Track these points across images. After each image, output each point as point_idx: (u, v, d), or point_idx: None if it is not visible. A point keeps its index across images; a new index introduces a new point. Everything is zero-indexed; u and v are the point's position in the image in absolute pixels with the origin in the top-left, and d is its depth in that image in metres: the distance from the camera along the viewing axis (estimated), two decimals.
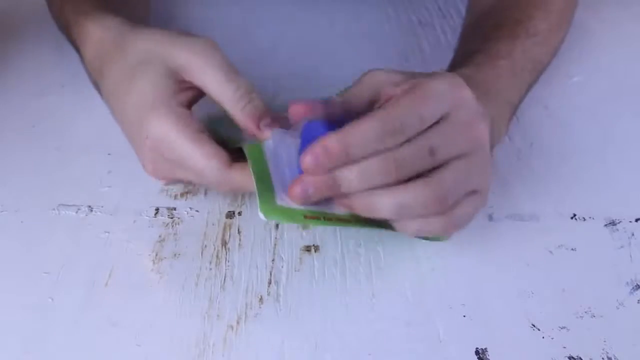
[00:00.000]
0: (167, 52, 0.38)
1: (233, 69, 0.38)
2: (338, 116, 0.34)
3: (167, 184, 0.43)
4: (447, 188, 0.33)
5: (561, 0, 0.50)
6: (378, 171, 0.32)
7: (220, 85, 0.38)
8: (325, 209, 0.35)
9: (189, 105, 0.39)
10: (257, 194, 0.34)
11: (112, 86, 0.41)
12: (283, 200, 0.35)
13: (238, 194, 0.44)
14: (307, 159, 0.32)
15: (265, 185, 0.35)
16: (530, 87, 0.47)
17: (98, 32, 0.43)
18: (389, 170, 0.32)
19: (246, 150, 0.36)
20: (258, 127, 0.37)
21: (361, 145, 0.32)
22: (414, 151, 0.32)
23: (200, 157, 0.36)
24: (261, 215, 0.33)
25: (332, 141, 0.32)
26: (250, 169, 0.35)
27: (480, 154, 0.35)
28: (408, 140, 0.32)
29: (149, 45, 0.39)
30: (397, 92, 0.34)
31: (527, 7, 0.48)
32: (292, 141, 0.36)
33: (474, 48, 0.45)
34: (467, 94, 0.34)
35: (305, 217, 0.34)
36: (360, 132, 0.32)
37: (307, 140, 0.33)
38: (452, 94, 0.34)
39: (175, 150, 0.37)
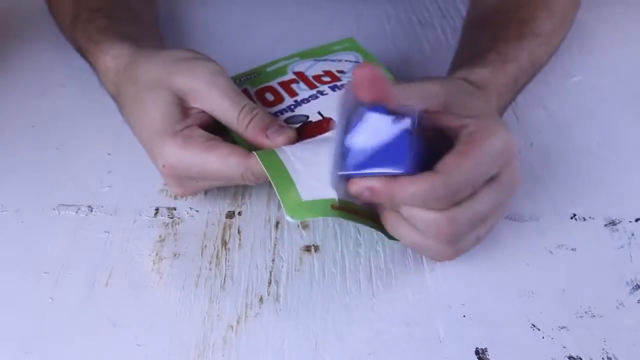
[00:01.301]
0: (173, 79, 0.40)
1: (236, 92, 0.40)
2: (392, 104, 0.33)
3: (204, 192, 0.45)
4: (465, 231, 0.35)
5: (564, 0, 0.50)
6: (422, 220, 0.33)
7: (224, 109, 0.39)
8: (353, 199, 0.35)
9: (202, 127, 0.40)
10: (279, 197, 0.34)
11: (128, 111, 0.43)
12: (310, 193, 0.35)
13: (238, 195, 0.45)
14: (353, 189, 0.33)
15: (285, 186, 0.35)
16: (524, 88, 0.47)
17: (109, 62, 0.44)
18: (437, 222, 0.33)
19: (258, 157, 0.36)
20: (265, 136, 0.38)
21: (408, 201, 0.33)
22: (460, 214, 0.33)
23: (217, 161, 0.37)
24: (288, 218, 0.33)
25: (379, 187, 0.32)
26: (267, 174, 0.35)
27: (510, 200, 0.36)
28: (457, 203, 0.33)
29: (157, 72, 0.41)
30: (453, 124, 0.34)
31: (532, 7, 0.48)
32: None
33: (484, 46, 0.45)
34: (515, 149, 0.35)
35: (332, 206, 0.35)
36: (410, 192, 0.32)
37: (363, 130, 0.32)
38: (505, 154, 0.34)
39: (192, 167, 0.38)
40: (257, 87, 0.45)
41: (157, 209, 0.44)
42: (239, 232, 0.42)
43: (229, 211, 0.43)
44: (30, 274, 0.39)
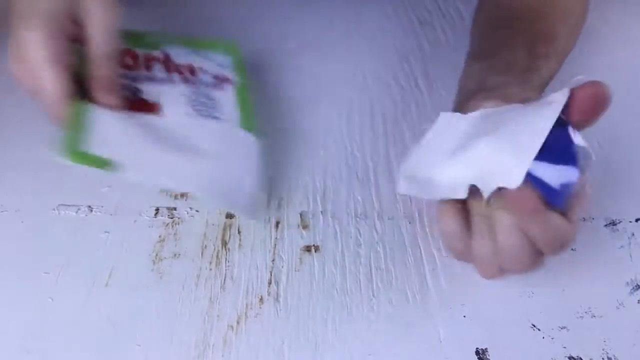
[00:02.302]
0: None
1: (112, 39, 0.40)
2: None
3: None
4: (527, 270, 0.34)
5: (577, 14, 0.50)
6: (520, 251, 0.33)
7: (100, 38, 0.39)
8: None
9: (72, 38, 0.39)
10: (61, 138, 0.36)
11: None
12: (96, 149, 0.36)
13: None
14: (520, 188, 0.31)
15: (74, 131, 0.37)
16: None
17: None
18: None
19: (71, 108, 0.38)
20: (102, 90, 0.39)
21: (540, 225, 0.31)
22: (543, 260, 0.33)
23: (50, 76, 0.37)
24: (56, 156, 0.35)
25: (529, 198, 0.30)
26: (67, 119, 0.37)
27: None
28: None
29: None
30: None
31: (554, 22, 0.47)
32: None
33: (524, 63, 0.44)
34: None
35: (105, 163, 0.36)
36: (548, 219, 0.31)
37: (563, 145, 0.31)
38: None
39: (37, 57, 0.37)
40: (125, 47, 0.45)
41: (157, 209, 0.44)
42: (239, 232, 0.42)
43: (229, 211, 0.43)
44: (30, 274, 0.39)
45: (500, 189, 0.31)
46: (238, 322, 0.37)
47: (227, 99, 0.44)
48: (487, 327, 0.36)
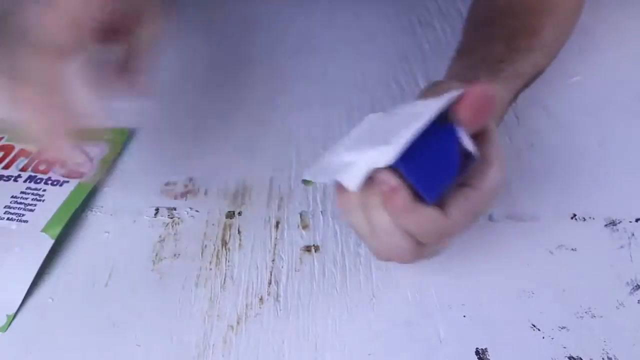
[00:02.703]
0: None
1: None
2: None
3: None
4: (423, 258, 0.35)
5: (569, 8, 0.50)
6: (392, 237, 0.33)
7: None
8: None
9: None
10: None
11: None
12: None
13: (238, 195, 0.44)
14: (383, 176, 0.31)
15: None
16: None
17: None
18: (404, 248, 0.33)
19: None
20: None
21: (405, 224, 0.32)
22: (431, 250, 0.34)
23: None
24: None
25: (401, 200, 0.31)
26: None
27: None
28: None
29: None
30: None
31: (540, 14, 0.48)
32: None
33: (499, 54, 0.44)
34: (504, 176, 0.35)
35: None
36: (416, 220, 0.32)
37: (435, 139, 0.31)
38: (501, 183, 0.34)
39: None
40: (12, 143, 0.47)
41: (157, 209, 0.44)
42: (239, 232, 0.42)
43: (229, 211, 0.43)
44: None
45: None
46: (238, 322, 0.37)
47: (57, 196, 0.43)
48: (487, 327, 0.36)
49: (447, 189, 0.32)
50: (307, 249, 0.41)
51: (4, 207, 0.42)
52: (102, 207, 0.44)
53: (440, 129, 0.31)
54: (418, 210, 0.31)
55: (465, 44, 0.49)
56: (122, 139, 0.49)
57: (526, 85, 0.46)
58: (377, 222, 0.33)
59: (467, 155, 0.32)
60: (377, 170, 0.31)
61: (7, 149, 0.47)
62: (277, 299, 0.38)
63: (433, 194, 0.31)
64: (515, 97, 0.44)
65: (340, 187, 0.34)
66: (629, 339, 0.35)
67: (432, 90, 0.38)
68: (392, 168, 0.30)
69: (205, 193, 0.45)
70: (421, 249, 0.33)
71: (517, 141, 0.48)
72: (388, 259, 0.35)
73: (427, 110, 0.30)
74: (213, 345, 0.36)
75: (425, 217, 0.32)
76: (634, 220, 0.42)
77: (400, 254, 0.34)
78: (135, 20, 0.38)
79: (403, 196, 0.31)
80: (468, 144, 0.31)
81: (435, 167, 0.31)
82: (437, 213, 0.32)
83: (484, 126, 0.34)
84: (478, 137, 0.34)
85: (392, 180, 0.31)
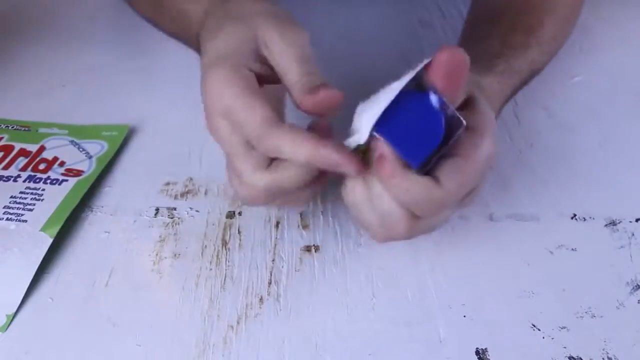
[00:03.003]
0: (262, 22, 0.36)
1: (312, 60, 0.36)
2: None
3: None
4: (421, 234, 0.35)
5: (569, 6, 0.50)
6: (390, 210, 0.33)
7: (291, 66, 0.35)
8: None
9: (258, 79, 0.36)
10: None
11: (207, 35, 0.38)
12: None
13: None
14: (374, 144, 0.32)
15: None
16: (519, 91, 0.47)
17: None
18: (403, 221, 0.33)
19: None
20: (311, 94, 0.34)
21: (398, 192, 0.32)
22: (427, 223, 0.34)
23: (243, 108, 0.33)
24: None
25: (389, 162, 0.31)
26: None
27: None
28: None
29: (254, 8, 0.38)
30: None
31: (539, 12, 0.48)
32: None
33: (495, 50, 0.44)
34: (493, 164, 0.35)
35: None
36: (407, 188, 0.32)
37: (414, 106, 0.32)
38: (487, 171, 0.34)
39: (224, 97, 0.34)
40: (12, 142, 0.48)
41: (157, 209, 0.44)
42: (239, 232, 0.42)
43: (229, 211, 0.43)
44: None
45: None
46: (238, 322, 0.37)
47: (56, 195, 0.43)
48: (487, 327, 0.36)
49: (434, 156, 0.32)
50: (307, 249, 0.41)
51: (3, 208, 0.42)
52: (102, 207, 0.44)
53: (419, 97, 0.32)
54: (407, 177, 0.32)
55: (462, 41, 0.49)
56: (121, 136, 0.49)
57: (524, 81, 0.46)
58: (374, 193, 0.33)
59: (454, 123, 0.32)
60: (371, 139, 0.32)
61: (7, 149, 0.47)
62: (277, 299, 0.38)
63: (417, 159, 0.32)
64: (513, 92, 0.44)
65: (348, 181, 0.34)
66: (629, 339, 0.35)
67: None
68: (378, 137, 0.32)
69: (205, 193, 0.45)
70: (417, 221, 0.33)
71: (518, 141, 0.48)
72: (386, 237, 0.35)
73: (399, 83, 0.31)
74: (213, 345, 0.36)
75: (416, 184, 0.32)
76: (634, 220, 0.42)
77: (396, 227, 0.34)
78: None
79: (391, 162, 0.31)
80: (449, 109, 0.32)
81: (417, 133, 0.32)
82: (428, 181, 0.32)
83: (469, 94, 0.35)
84: (466, 107, 0.34)
85: (381, 147, 0.32)
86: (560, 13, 0.49)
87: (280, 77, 0.36)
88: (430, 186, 0.32)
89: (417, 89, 0.32)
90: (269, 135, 0.33)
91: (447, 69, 0.31)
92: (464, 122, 0.32)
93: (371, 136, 0.32)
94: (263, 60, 0.36)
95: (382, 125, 0.31)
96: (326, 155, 0.32)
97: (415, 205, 0.32)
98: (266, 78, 0.36)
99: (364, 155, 0.33)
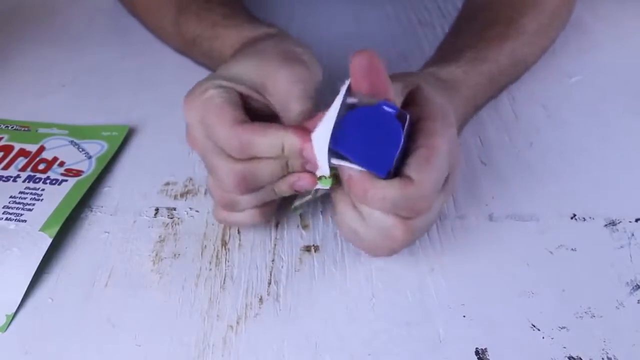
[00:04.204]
0: (273, 72, 0.37)
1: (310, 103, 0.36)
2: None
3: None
4: (415, 238, 0.36)
5: (555, 0, 0.50)
6: (379, 221, 0.34)
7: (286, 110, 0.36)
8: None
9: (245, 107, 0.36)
10: None
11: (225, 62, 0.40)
12: None
13: None
14: (348, 176, 0.33)
15: None
16: (506, 86, 0.47)
17: (239, 39, 0.44)
18: (394, 228, 0.34)
19: None
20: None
21: (377, 203, 0.33)
22: (417, 225, 0.34)
23: (214, 111, 0.34)
24: None
25: (357, 180, 0.32)
26: None
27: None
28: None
29: (276, 51, 0.38)
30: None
31: (522, 5, 0.48)
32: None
33: (466, 43, 0.45)
34: (461, 155, 0.36)
35: None
36: (382, 196, 0.32)
37: (364, 116, 0.32)
38: (454, 157, 0.35)
39: (198, 105, 0.35)
40: (12, 142, 0.47)
41: (157, 209, 0.44)
42: (238, 232, 0.42)
43: None
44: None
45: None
46: (238, 322, 0.37)
47: (56, 195, 0.43)
48: (487, 327, 0.36)
49: (397, 158, 0.32)
50: (307, 249, 0.41)
51: (3, 207, 0.42)
52: (102, 207, 0.44)
53: (369, 110, 0.32)
54: (378, 186, 0.32)
55: (443, 40, 0.50)
56: (121, 137, 0.49)
57: (505, 71, 0.46)
58: (364, 213, 0.34)
59: (401, 119, 0.32)
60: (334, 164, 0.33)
61: (7, 149, 0.47)
62: (277, 299, 0.38)
63: (382, 168, 0.32)
64: (490, 81, 0.45)
65: (338, 196, 0.35)
66: (629, 339, 0.35)
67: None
68: (339, 155, 0.32)
69: (205, 193, 0.45)
70: (411, 223, 0.34)
71: (517, 140, 0.48)
72: (391, 249, 0.35)
73: (335, 102, 0.32)
74: (213, 345, 0.36)
75: (389, 190, 0.32)
76: (634, 220, 0.42)
77: (394, 235, 0.34)
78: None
79: (359, 180, 0.32)
80: (393, 106, 0.32)
81: (376, 144, 0.32)
82: (399, 182, 0.32)
83: (413, 86, 0.35)
84: (412, 100, 0.35)
85: (346, 170, 0.32)
86: (546, 6, 0.49)
87: (278, 112, 0.36)
88: (403, 186, 0.32)
89: (359, 104, 0.33)
90: (240, 131, 0.33)
91: (361, 71, 0.32)
92: (407, 114, 0.33)
93: (333, 160, 0.33)
94: (258, 91, 0.36)
95: (341, 144, 0.32)
96: (294, 136, 0.33)
97: (398, 208, 0.33)
98: (254, 108, 0.37)
99: (337, 179, 0.34)
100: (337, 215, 0.36)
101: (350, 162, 0.32)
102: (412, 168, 0.32)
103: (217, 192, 0.37)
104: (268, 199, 0.37)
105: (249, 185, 0.35)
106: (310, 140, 0.33)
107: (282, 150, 0.33)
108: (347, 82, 0.33)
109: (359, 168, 0.32)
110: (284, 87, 0.36)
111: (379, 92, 0.32)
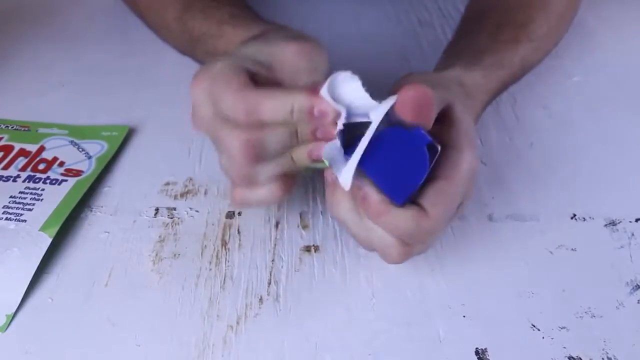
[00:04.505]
0: (280, 46, 0.36)
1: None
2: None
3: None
4: (415, 254, 0.36)
5: (562, 3, 0.50)
6: (382, 239, 0.34)
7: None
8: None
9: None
10: None
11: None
12: None
13: None
14: (363, 195, 0.32)
15: None
16: (510, 86, 0.48)
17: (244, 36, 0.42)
18: (395, 248, 0.34)
19: None
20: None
21: (388, 228, 0.33)
22: (421, 248, 0.35)
23: (221, 79, 0.33)
24: None
25: (373, 203, 0.32)
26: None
27: None
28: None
29: (282, 34, 0.38)
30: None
31: (530, 9, 0.48)
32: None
33: (482, 46, 0.45)
34: (475, 174, 0.35)
35: None
36: (396, 224, 0.32)
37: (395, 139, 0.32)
38: (471, 184, 0.35)
39: (206, 80, 0.34)
40: (12, 142, 0.48)
41: (157, 209, 0.44)
42: (238, 232, 0.42)
43: (229, 211, 0.43)
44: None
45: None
46: (238, 322, 0.37)
47: (56, 195, 0.43)
48: (487, 327, 0.36)
49: (413, 190, 0.32)
50: (307, 249, 0.41)
51: (2, 207, 0.42)
52: (102, 207, 0.44)
53: (402, 133, 0.32)
54: (393, 213, 0.32)
55: (453, 39, 0.50)
56: (121, 137, 0.49)
57: (515, 77, 0.46)
58: (366, 221, 0.34)
59: (431, 149, 0.32)
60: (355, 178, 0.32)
61: (7, 149, 0.47)
62: (276, 299, 0.38)
63: (401, 197, 0.32)
64: (502, 86, 0.45)
65: (331, 183, 0.34)
66: (629, 339, 0.35)
67: (406, 78, 0.38)
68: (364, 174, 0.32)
69: (205, 193, 0.45)
70: (408, 249, 0.34)
71: (517, 141, 0.48)
72: (375, 252, 0.35)
73: (374, 119, 0.31)
74: (213, 345, 0.36)
75: (402, 219, 0.32)
76: (634, 220, 0.42)
77: (388, 254, 0.34)
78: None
79: (375, 203, 0.32)
80: (425, 137, 0.32)
81: (401, 171, 0.32)
82: (415, 212, 0.32)
83: (446, 102, 0.34)
84: (443, 118, 0.34)
85: (364, 187, 0.32)
86: (554, 10, 0.49)
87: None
88: (418, 218, 0.32)
89: (392, 125, 0.32)
90: (248, 92, 0.32)
91: (412, 105, 0.31)
92: (439, 147, 0.32)
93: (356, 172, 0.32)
94: (266, 70, 0.35)
95: (367, 163, 0.31)
96: (304, 94, 0.32)
97: (405, 237, 0.33)
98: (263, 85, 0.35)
99: None
100: (332, 205, 0.35)
101: (370, 180, 0.32)
102: (429, 200, 0.32)
103: (232, 168, 0.35)
104: (287, 168, 0.35)
105: (258, 154, 0.33)
106: (320, 95, 0.31)
107: (291, 113, 0.32)
108: (390, 102, 0.31)
109: (376, 188, 0.32)
110: (291, 61, 0.35)
111: (422, 125, 0.32)
